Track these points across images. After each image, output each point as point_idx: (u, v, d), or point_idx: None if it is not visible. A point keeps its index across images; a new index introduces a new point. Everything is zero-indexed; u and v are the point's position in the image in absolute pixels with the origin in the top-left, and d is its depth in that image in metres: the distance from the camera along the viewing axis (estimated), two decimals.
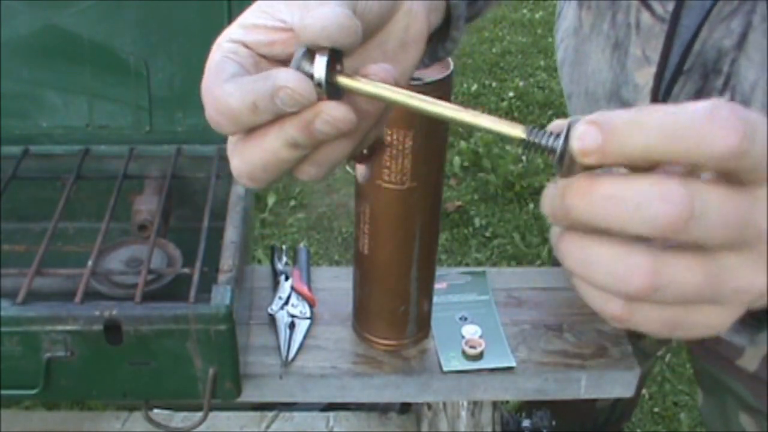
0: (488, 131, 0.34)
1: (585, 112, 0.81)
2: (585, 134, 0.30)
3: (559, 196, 0.32)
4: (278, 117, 0.35)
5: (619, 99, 0.72)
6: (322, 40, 0.35)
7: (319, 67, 0.35)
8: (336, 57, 0.35)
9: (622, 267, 0.30)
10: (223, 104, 0.36)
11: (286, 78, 0.34)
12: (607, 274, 0.31)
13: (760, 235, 0.31)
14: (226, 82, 0.36)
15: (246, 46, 0.39)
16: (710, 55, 0.63)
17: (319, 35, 0.34)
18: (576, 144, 0.30)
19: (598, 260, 0.31)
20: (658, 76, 0.68)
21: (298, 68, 0.35)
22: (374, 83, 0.36)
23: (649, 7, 0.67)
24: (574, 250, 0.32)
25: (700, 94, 0.66)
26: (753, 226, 0.31)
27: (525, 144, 0.34)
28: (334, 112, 0.35)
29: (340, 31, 0.34)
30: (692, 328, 0.33)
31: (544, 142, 0.33)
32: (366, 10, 0.39)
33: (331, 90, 0.35)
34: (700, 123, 0.29)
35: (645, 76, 0.69)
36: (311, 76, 0.35)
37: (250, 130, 0.37)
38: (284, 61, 0.39)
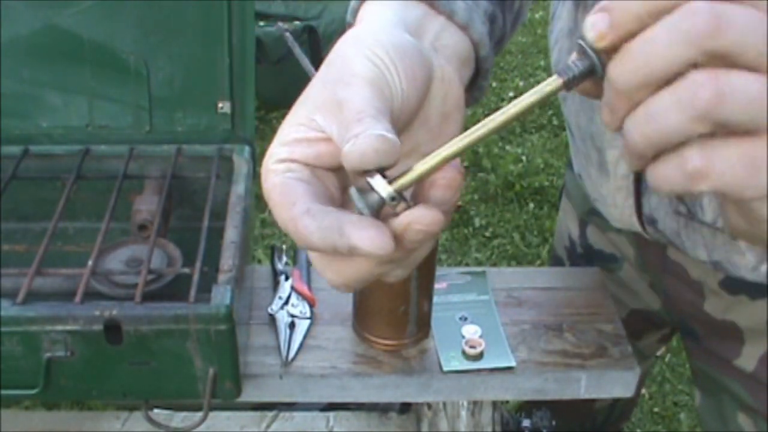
0: (536, 105, 0.36)
1: (581, 113, 0.82)
2: (595, 21, 0.33)
3: (607, 81, 0.33)
4: None
5: None
6: (366, 166, 0.35)
7: (381, 187, 0.36)
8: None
9: (683, 90, 0.31)
10: (307, 240, 0.36)
11: (359, 239, 0.35)
12: (672, 106, 0.31)
13: None
14: (302, 215, 0.37)
15: (295, 161, 0.39)
16: None
17: (360, 163, 0.35)
18: (590, 34, 0.33)
19: (660, 102, 0.31)
20: None
21: (361, 201, 0.36)
22: (424, 161, 0.37)
23: None
24: (635, 115, 0.32)
25: None
26: None
27: (567, 84, 0.35)
28: (424, 221, 0.36)
29: (378, 156, 0.35)
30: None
31: (578, 69, 0.34)
32: (404, 103, 0.40)
33: (398, 197, 0.36)
34: None
35: None
36: (381, 199, 0.36)
37: None
38: (336, 169, 0.39)
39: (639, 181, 0.74)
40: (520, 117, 0.36)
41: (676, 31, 0.31)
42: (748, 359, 0.81)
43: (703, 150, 0.32)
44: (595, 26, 0.33)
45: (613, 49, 0.33)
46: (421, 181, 0.37)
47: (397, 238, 0.36)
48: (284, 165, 0.39)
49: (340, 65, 0.40)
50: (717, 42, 0.31)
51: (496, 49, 0.56)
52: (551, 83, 0.35)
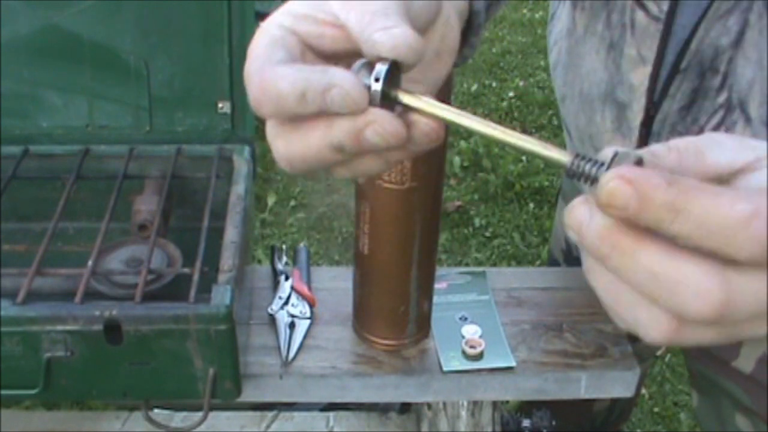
0: (535, 155, 0.34)
1: (579, 114, 0.82)
2: (617, 191, 0.29)
3: (599, 238, 0.31)
4: (325, 115, 0.35)
5: (614, 100, 0.72)
6: (390, 57, 0.35)
7: (379, 76, 0.35)
8: (395, 71, 0.36)
9: (690, 290, 0.29)
10: (271, 86, 0.35)
11: (342, 78, 0.34)
12: (672, 295, 0.30)
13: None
14: (277, 64, 0.36)
15: (295, 34, 0.38)
16: (707, 53, 0.63)
17: (389, 53, 0.35)
18: (604, 197, 0.30)
19: (668, 275, 0.30)
20: (654, 76, 0.68)
21: (363, 75, 0.35)
22: (431, 102, 0.36)
23: (643, 7, 0.67)
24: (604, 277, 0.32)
25: (696, 93, 0.65)
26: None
27: (568, 172, 0.34)
28: (387, 125, 0.35)
29: (409, 52, 0.35)
30: (741, 338, 0.32)
31: (587, 170, 0.33)
32: (415, 18, 0.39)
33: (385, 103, 0.35)
34: (735, 229, 0.29)
35: (640, 76, 0.69)
36: (368, 87, 0.35)
37: (292, 119, 0.37)
38: (329, 57, 0.39)
39: None
40: (517, 150, 0.36)
41: (681, 297, 0.30)
42: (746, 361, 0.81)
43: (681, 326, 0.32)
44: (613, 197, 0.30)
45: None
46: (412, 111, 0.36)
47: (357, 131, 0.35)
48: (283, 32, 0.38)
49: None
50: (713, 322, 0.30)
51: (490, 11, 0.56)
52: (562, 157, 0.34)
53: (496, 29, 3.77)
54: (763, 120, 0.63)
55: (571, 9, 0.77)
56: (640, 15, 0.67)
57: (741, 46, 0.61)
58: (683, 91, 0.66)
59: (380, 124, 0.35)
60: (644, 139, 0.70)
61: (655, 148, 0.34)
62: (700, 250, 0.29)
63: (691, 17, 0.64)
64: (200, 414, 0.71)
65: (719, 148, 0.34)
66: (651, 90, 0.68)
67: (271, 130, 0.38)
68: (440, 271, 0.86)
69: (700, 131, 0.66)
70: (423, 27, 0.41)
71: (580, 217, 0.32)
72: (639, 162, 0.32)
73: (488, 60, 3.49)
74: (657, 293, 0.30)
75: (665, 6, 0.65)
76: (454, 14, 0.46)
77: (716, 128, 0.65)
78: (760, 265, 0.29)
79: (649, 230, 0.30)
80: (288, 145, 0.37)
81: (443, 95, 0.65)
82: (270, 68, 0.35)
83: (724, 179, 0.34)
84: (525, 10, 3.94)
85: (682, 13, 0.65)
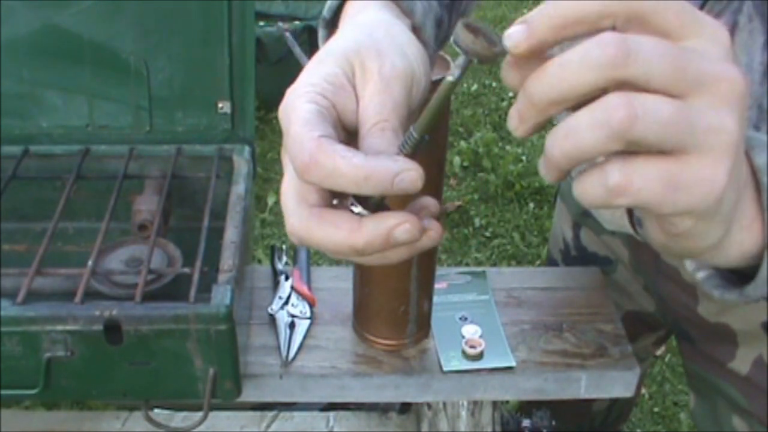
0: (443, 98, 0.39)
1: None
2: (513, 32, 0.36)
3: (522, 91, 0.36)
4: (351, 217, 0.40)
5: None
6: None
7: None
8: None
9: (600, 111, 0.33)
10: (329, 161, 0.38)
11: (410, 166, 0.39)
12: (589, 125, 0.33)
13: (704, 77, 0.34)
14: (334, 144, 0.39)
15: (334, 106, 0.42)
16: None
17: (403, 191, 0.39)
18: (507, 42, 0.36)
19: (578, 121, 0.34)
20: None
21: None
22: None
23: None
24: (556, 131, 0.35)
25: None
26: (692, 69, 0.34)
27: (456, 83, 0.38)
28: (416, 224, 0.40)
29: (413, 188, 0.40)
30: (692, 186, 0.34)
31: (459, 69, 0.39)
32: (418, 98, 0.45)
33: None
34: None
35: None
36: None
37: (321, 203, 0.41)
38: (344, 124, 0.43)
39: None
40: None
41: (588, 58, 0.34)
42: (742, 362, 0.81)
43: (624, 167, 0.34)
44: (512, 36, 0.36)
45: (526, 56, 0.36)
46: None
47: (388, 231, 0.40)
48: (325, 102, 0.42)
49: (380, 49, 0.44)
50: (624, 71, 0.33)
51: (438, 49, 0.60)
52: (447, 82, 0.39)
53: (496, 29, 3.76)
54: (753, 123, 0.62)
55: None
56: None
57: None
58: None
59: (412, 223, 0.40)
60: None
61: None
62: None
63: None
64: (200, 414, 0.71)
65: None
66: None
67: (292, 204, 0.42)
68: (440, 271, 0.86)
69: None
70: (419, 99, 0.45)
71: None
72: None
73: None
74: (574, 73, 0.35)
75: None
76: (416, 41, 0.49)
77: None
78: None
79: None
80: (306, 230, 0.41)
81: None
82: (328, 144, 0.39)
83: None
84: (525, 10, 3.94)
85: None
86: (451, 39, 0.38)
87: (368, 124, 0.41)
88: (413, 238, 0.40)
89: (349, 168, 0.38)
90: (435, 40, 0.56)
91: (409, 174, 0.39)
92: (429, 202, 0.44)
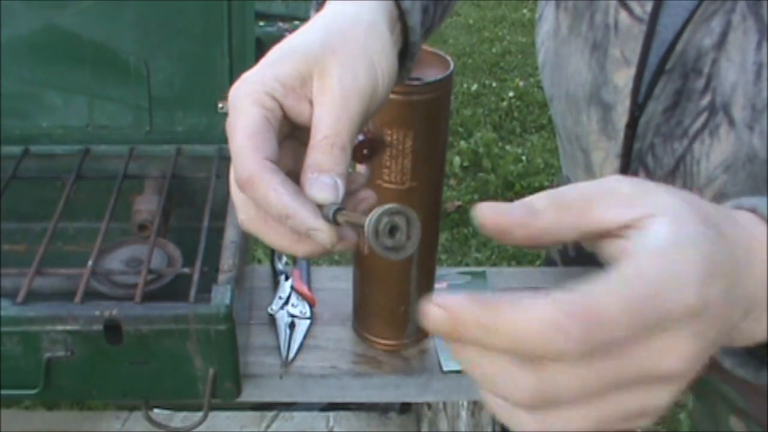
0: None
1: (566, 114, 0.82)
2: (436, 320, 0.34)
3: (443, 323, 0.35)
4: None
5: (599, 101, 0.72)
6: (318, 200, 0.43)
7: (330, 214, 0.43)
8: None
9: (507, 385, 0.34)
10: (262, 191, 0.41)
11: (322, 226, 0.42)
12: (499, 388, 0.34)
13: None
14: (269, 166, 0.42)
15: (281, 108, 0.44)
16: (690, 55, 0.63)
17: (317, 200, 0.43)
18: (428, 323, 0.34)
19: (491, 374, 0.34)
20: (638, 77, 0.67)
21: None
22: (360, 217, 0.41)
23: (627, 7, 0.67)
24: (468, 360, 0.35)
25: (680, 95, 0.65)
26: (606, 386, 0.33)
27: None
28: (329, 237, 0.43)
29: (332, 198, 0.43)
30: (634, 417, 0.35)
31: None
32: (378, 103, 0.46)
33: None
34: (539, 342, 0.32)
35: (624, 78, 0.68)
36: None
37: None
38: (296, 124, 0.45)
39: None
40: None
41: (502, 388, 0.34)
42: None
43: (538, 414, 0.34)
44: (433, 321, 0.34)
45: None
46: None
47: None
48: (274, 105, 0.44)
49: (347, 55, 0.45)
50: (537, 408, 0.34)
51: (424, 38, 0.59)
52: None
53: (496, 29, 3.77)
54: (746, 123, 0.62)
55: (555, 9, 0.77)
56: (623, 16, 0.67)
57: (724, 48, 0.61)
58: (667, 93, 0.66)
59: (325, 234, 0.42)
60: (629, 141, 0.70)
61: (533, 205, 0.36)
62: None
63: (674, 18, 0.64)
64: (200, 414, 0.71)
65: (609, 200, 0.36)
66: (635, 91, 0.68)
67: (239, 195, 0.44)
68: (440, 271, 0.86)
69: (684, 134, 0.66)
70: (377, 108, 0.46)
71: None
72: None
73: (488, 60, 3.49)
74: (484, 385, 0.35)
75: (648, 6, 0.65)
76: (392, 49, 0.49)
77: (700, 131, 0.65)
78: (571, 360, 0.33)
79: None
80: (248, 218, 0.45)
81: (443, 94, 0.65)
82: (267, 172, 0.41)
83: (613, 233, 0.36)
84: (525, 10, 3.94)
85: (666, 14, 0.65)
86: (366, 229, 0.39)
87: (319, 136, 0.43)
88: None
89: (277, 203, 0.41)
90: (421, 26, 0.56)
91: (320, 236, 0.42)
92: (367, 194, 0.46)
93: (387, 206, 0.38)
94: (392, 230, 0.38)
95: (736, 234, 0.37)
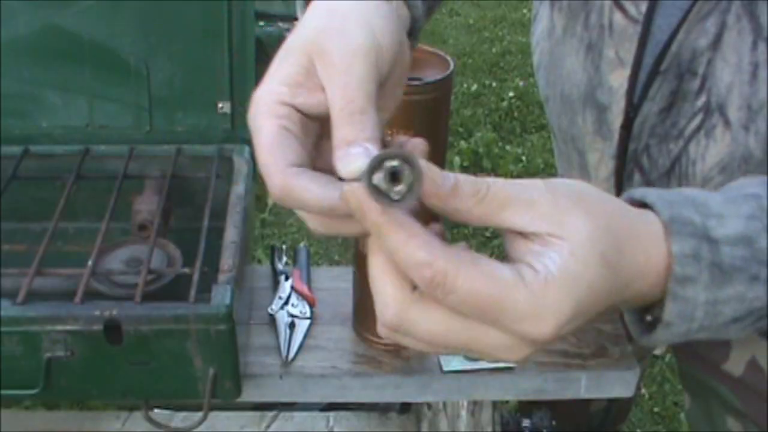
0: None
1: (561, 115, 0.82)
2: (349, 198, 0.38)
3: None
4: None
5: (594, 102, 0.72)
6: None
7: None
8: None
9: (379, 302, 0.41)
10: (296, 194, 0.42)
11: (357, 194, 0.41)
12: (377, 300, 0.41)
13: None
14: (295, 170, 0.42)
15: (295, 109, 0.44)
16: (685, 55, 0.63)
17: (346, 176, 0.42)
18: (342, 196, 0.39)
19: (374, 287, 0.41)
20: (633, 78, 0.67)
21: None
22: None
23: (621, 8, 0.66)
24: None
25: (675, 95, 0.65)
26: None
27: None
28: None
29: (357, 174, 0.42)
30: (482, 352, 0.41)
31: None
32: (389, 71, 0.46)
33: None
34: (411, 266, 0.38)
35: (619, 78, 0.68)
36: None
37: None
38: (319, 116, 0.45)
39: (620, 183, 0.74)
40: None
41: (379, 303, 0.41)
42: (735, 364, 0.81)
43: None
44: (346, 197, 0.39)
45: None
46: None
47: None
48: (287, 110, 0.44)
49: (341, 27, 0.45)
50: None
51: (426, 15, 0.59)
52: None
53: (496, 29, 3.77)
54: (742, 124, 0.62)
55: (549, 10, 0.77)
56: (618, 16, 0.67)
57: (719, 48, 0.61)
58: (662, 94, 0.66)
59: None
60: (624, 142, 0.70)
61: (458, 185, 0.39)
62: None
63: (669, 18, 0.64)
64: (200, 414, 0.71)
65: (525, 210, 0.40)
66: (630, 92, 0.68)
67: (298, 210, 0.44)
68: None
69: (680, 135, 0.66)
70: (389, 70, 0.46)
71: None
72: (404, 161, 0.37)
73: (488, 60, 3.49)
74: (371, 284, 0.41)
75: (643, 7, 0.65)
76: (403, 32, 0.49)
77: (696, 131, 0.65)
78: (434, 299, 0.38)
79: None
80: (316, 225, 0.44)
81: (442, 94, 0.65)
82: (294, 177, 0.42)
83: (520, 233, 0.40)
84: (525, 10, 3.94)
85: (660, 14, 0.64)
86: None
87: (336, 109, 0.43)
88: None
89: (315, 201, 0.41)
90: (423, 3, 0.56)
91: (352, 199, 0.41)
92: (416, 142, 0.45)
93: (388, 150, 0.38)
94: (394, 176, 0.37)
95: (637, 250, 0.42)
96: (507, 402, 1.38)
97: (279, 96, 0.44)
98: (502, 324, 0.38)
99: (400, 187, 0.37)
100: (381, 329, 0.41)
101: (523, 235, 0.40)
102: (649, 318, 0.47)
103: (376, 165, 0.37)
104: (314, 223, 0.44)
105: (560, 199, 0.40)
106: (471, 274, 0.38)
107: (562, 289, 0.38)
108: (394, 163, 0.36)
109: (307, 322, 0.82)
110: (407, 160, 0.37)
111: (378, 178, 0.37)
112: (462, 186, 0.39)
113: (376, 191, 0.37)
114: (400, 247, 0.38)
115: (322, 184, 0.41)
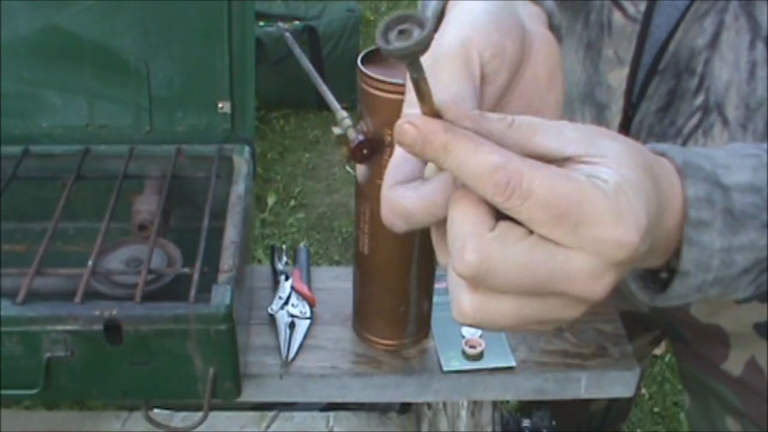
0: None
1: (562, 117, 0.82)
2: (406, 133, 0.37)
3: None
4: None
5: (593, 100, 0.72)
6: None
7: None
8: None
9: (456, 246, 0.37)
10: (398, 205, 0.42)
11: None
12: (452, 242, 0.38)
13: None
14: (397, 185, 0.42)
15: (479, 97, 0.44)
16: (683, 54, 0.63)
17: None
18: (396, 135, 0.37)
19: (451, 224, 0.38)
20: (631, 77, 0.67)
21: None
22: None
23: (620, 7, 0.66)
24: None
25: (673, 94, 0.65)
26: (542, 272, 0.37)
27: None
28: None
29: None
30: (548, 322, 0.40)
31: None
32: (491, 68, 0.45)
33: None
34: (482, 174, 0.36)
35: (618, 78, 0.68)
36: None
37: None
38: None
39: None
40: None
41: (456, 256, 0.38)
42: (734, 363, 0.81)
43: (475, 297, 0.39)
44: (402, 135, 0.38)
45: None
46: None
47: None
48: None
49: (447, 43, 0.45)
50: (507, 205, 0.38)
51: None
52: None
53: None
54: (740, 122, 0.62)
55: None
56: (617, 15, 0.67)
57: (717, 47, 0.61)
58: (660, 93, 0.66)
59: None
60: None
61: (486, 114, 0.39)
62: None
63: (667, 18, 0.64)
64: (200, 414, 0.71)
65: (554, 133, 0.38)
66: (629, 91, 0.68)
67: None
68: (440, 271, 0.86)
69: (678, 133, 0.66)
70: (518, 55, 0.46)
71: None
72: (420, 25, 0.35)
73: None
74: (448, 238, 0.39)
75: (642, 6, 0.65)
76: (545, 29, 0.49)
77: (694, 130, 0.65)
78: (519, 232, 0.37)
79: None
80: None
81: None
82: (390, 191, 0.42)
83: (552, 160, 0.38)
84: None
85: (659, 13, 0.65)
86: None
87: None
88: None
89: (418, 209, 0.41)
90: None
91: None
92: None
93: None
94: (402, 32, 0.36)
95: (664, 181, 0.41)
96: (507, 402, 1.38)
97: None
98: (583, 233, 0.36)
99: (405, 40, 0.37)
100: (458, 301, 0.39)
101: (560, 164, 0.39)
102: (664, 275, 0.47)
103: (390, 25, 0.36)
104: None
105: (585, 127, 0.40)
106: (546, 173, 0.36)
107: (633, 193, 0.37)
108: (406, 25, 0.36)
109: (307, 322, 0.82)
110: (419, 23, 0.36)
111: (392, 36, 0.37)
112: (489, 114, 0.39)
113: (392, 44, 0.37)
114: (471, 156, 0.36)
115: (415, 186, 0.41)
